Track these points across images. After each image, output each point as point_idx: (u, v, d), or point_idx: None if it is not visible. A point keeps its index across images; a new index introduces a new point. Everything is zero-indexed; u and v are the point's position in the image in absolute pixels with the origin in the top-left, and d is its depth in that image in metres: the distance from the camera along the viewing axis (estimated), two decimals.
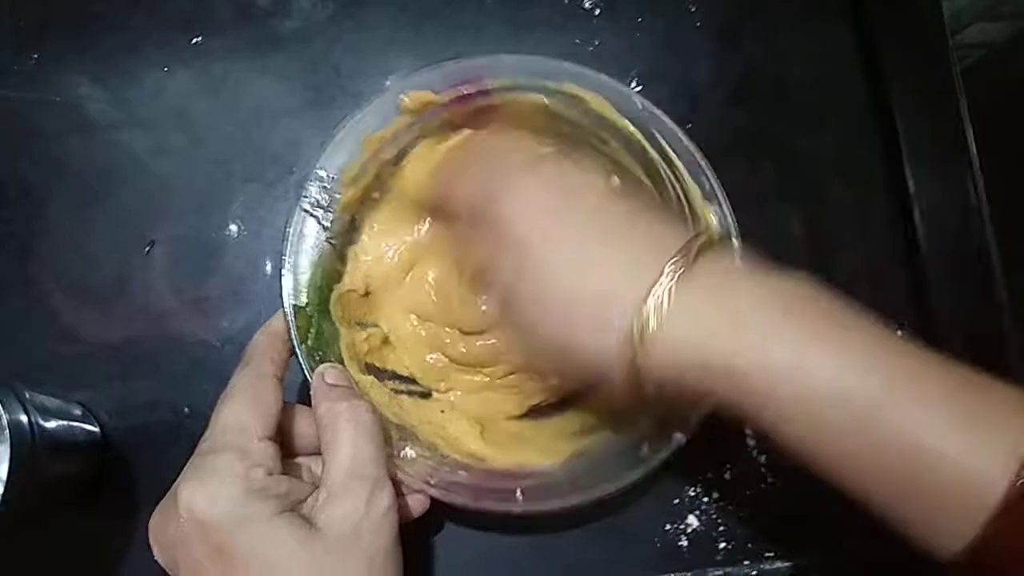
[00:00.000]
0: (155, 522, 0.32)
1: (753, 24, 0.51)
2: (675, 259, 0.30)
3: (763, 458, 0.44)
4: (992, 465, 0.25)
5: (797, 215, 0.48)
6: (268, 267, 0.47)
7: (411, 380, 0.43)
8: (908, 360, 0.28)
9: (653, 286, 0.29)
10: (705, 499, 0.44)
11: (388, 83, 0.49)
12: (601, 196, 0.34)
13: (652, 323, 0.29)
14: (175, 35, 0.50)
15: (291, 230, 0.39)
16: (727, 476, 0.44)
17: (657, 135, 0.40)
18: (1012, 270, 0.46)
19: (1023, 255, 0.48)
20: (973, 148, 0.47)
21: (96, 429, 0.43)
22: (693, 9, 0.50)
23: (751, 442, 0.44)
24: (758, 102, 0.50)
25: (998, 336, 0.45)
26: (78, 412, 0.42)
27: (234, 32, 0.50)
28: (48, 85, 0.49)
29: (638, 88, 0.49)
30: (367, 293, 0.43)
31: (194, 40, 0.49)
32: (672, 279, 0.29)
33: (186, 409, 0.45)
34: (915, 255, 0.47)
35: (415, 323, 0.44)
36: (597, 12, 0.50)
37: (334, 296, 0.41)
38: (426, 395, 0.43)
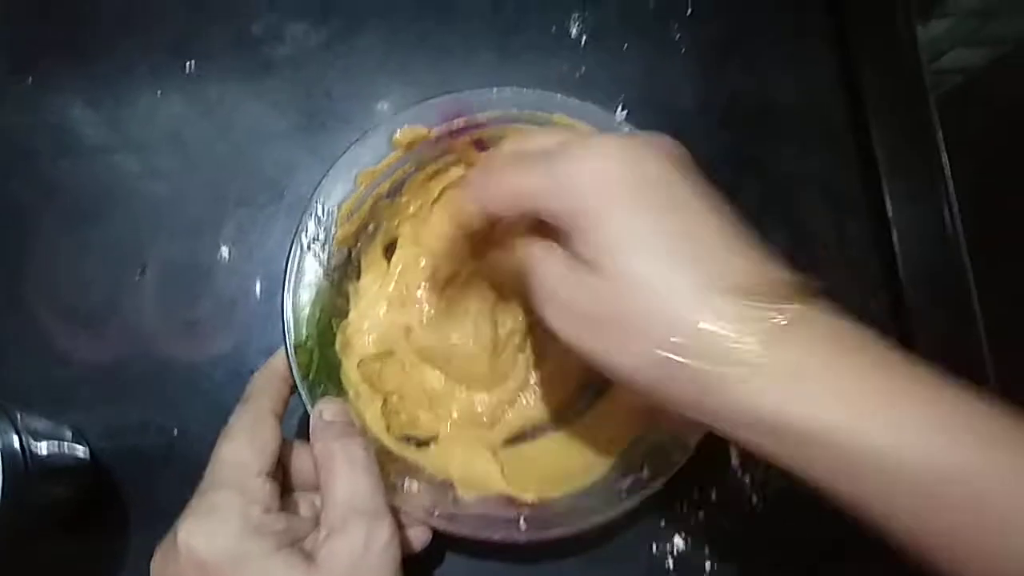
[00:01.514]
0: (155, 562, 0.32)
1: (737, 50, 0.52)
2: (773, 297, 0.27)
3: (748, 479, 0.45)
4: None
5: (779, 236, 0.49)
6: (259, 290, 0.47)
7: None
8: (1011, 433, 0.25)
9: (714, 315, 0.26)
10: (691, 520, 0.44)
11: (380, 107, 0.50)
12: (681, 190, 0.29)
13: (698, 356, 0.26)
14: (169, 59, 0.50)
15: (289, 266, 0.39)
16: (713, 497, 0.45)
17: None
18: (988, 294, 0.46)
19: (999, 279, 0.49)
20: (948, 173, 0.48)
21: (86, 452, 0.43)
22: (678, 36, 0.51)
23: (736, 462, 0.45)
24: (742, 126, 0.51)
25: (976, 361, 0.46)
26: (69, 434, 0.43)
27: (227, 57, 0.50)
28: (41, 107, 0.50)
29: (624, 113, 0.50)
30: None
31: (187, 64, 0.50)
32: (746, 317, 0.26)
33: (175, 431, 0.45)
34: (894, 277, 0.48)
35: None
36: (583, 40, 0.51)
37: (357, 365, 0.41)
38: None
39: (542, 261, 0.30)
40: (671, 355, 0.26)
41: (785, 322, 0.26)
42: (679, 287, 0.27)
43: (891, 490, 0.25)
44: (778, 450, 0.26)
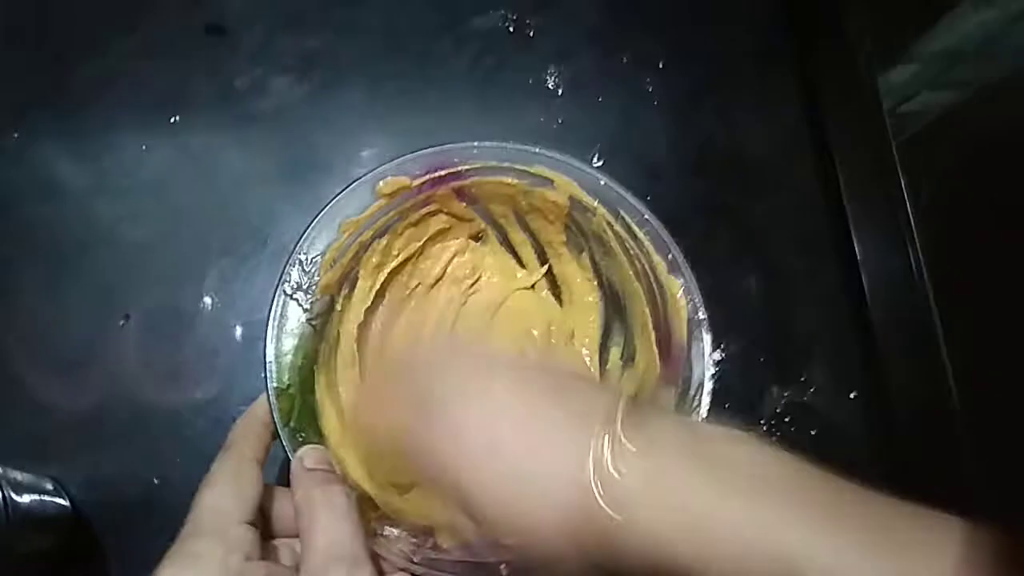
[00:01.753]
0: None
1: (708, 102, 0.54)
2: (599, 433, 0.28)
3: None
4: None
5: (752, 281, 0.51)
6: (241, 338, 0.48)
7: None
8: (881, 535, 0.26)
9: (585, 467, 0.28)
10: None
11: (362, 157, 0.51)
12: (512, 391, 0.31)
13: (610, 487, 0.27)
14: (153, 113, 0.51)
15: (272, 313, 0.40)
16: None
17: (622, 213, 0.42)
18: (955, 333, 0.48)
19: (965, 318, 0.50)
20: (912, 217, 0.49)
21: (67, 503, 0.43)
22: (651, 89, 0.53)
23: None
24: (713, 174, 0.53)
25: (943, 399, 0.47)
26: (49, 487, 0.43)
27: (212, 111, 0.52)
28: (27, 161, 0.51)
29: (599, 163, 0.51)
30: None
31: (172, 119, 0.51)
32: (604, 454, 0.28)
33: (156, 480, 0.45)
34: (864, 320, 0.49)
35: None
36: (560, 92, 0.53)
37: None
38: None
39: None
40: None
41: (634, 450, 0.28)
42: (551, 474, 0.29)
43: None
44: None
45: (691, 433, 0.30)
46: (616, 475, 0.27)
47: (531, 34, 0.54)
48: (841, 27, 0.53)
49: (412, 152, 0.42)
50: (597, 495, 0.27)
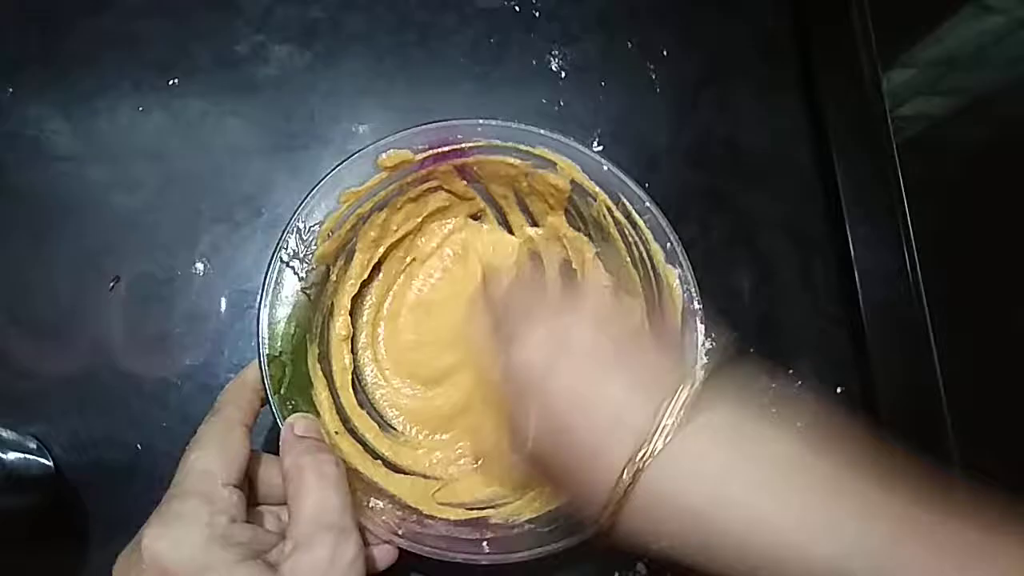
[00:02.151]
0: (119, 567, 0.32)
1: (710, 91, 0.54)
2: (669, 403, 0.29)
3: None
4: None
5: (746, 272, 0.51)
6: (232, 306, 0.47)
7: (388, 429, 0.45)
8: (920, 528, 0.27)
9: (647, 439, 0.29)
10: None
11: (361, 131, 0.51)
12: (602, 336, 0.33)
13: (643, 464, 0.29)
14: (152, 76, 0.51)
15: (267, 280, 0.40)
16: None
17: (623, 199, 0.42)
18: (945, 333, 0.48)
19: (956, 320, 0.50)
20: (909, 218, 0.50)
21: (50, 463, 0.43)
22: (654, 76, 0.53)
23: None
24: (712, 165, 0.53)
25: (932, 396, 0.47)
26: (33, 446, 0.42)
27: (211, 76, 0.51)
28: (19, 121, 0.50)
29: (599, 148, 0.51)
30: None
31: (171, 82, 0.51)
32: (669, 430, 0.29)
33: (139, 445, 0.45)
34: (855, 315, 0.49)
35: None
36: (563, 75, 0.53)
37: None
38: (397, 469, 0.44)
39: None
40: (631, 465, 0.29)
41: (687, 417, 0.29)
42: (624, 407, 0.30)
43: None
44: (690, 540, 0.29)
45: (742, 429, 0.30)
46: (660, 449, 0.29)
47: (537, 15, 0.53)
48: (845, 24, 0.53)
49: (415, 126, 0.42)
50: (639, 464, 0.29)
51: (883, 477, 0.28)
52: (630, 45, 0.54)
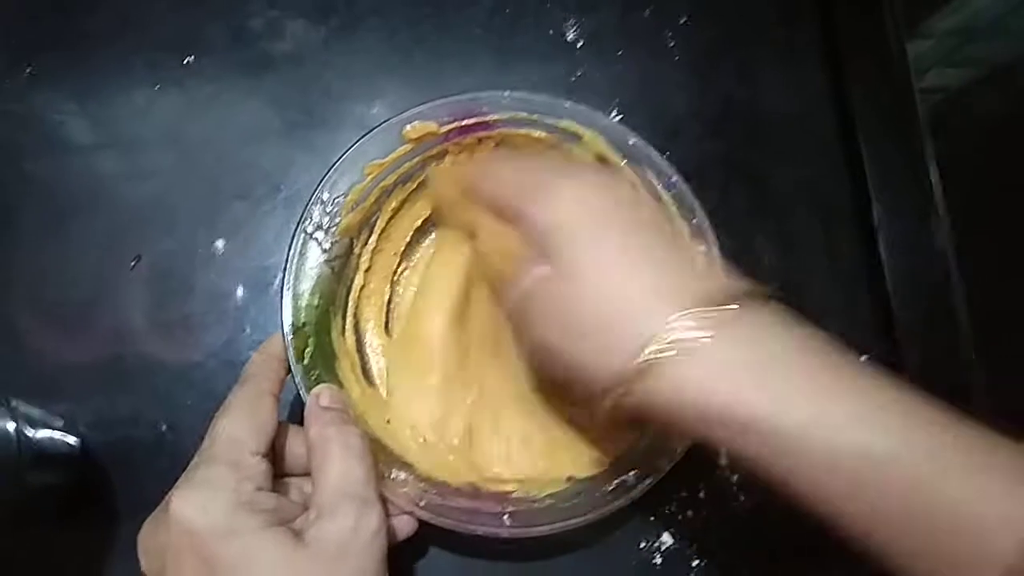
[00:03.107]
0: (146, 530, 0.33)
1: (730, 60, 0.53)
2: (708, 302, 0.30)
3: (735, 477, 0.45)
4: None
5: (768, 242, 0.50)
6: (253, 284, 0.47)
7: None
8: (944, 425, 0.28)
9: (678, 319, 0.29)
10: (679, 517, 0.45)
11: (377, 106, 0.50)
12: (645, 213, 0.34)
13: (668, 353, 0.29)
14: (167, 55, 0.51)
15: (292, 251, 0.40)
16: (701, 495, 0.45)
17: (649, 173, 0.42)
18: (974, 304, 0.48)
19: (984, 289, 0.50)
20: (936, 187, 0.49)
21: (77, 441, 0.43)
22: (672, 44, 0.52)
23: (724, 461, 0.46)
24: (733, 133, 0.52)
25: (963, 371, 0.47)
26: (60, 423, 0.43)
27: (226, 53, 0.51)
28: (37, 103, 0.50)
29: (618, 118, 0.50)
30: None
31: (186, 60, 0.50)
32: (702, 319, 0.29)
33: (164, 422, 0.45)
34: (880, 284, 0.48)
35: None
36: (580, 44, 0.52)
37: None
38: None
39: (526, 271, 0.33)
40: (646, 356, 0.29)
41: (731, 323, 0.29)
42: (646, 297, 0.30)
43: (816, 472, 0.28)
44: (732, 442, 0.29)
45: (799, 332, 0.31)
46: (675, 353, 0.29)
47: None
48: None
49: (440, 98, 0.41)
50: (651, 360, 0.29)
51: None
52: (647, 13, 0.53)
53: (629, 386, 0.30)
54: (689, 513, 0.45)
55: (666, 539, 0.45)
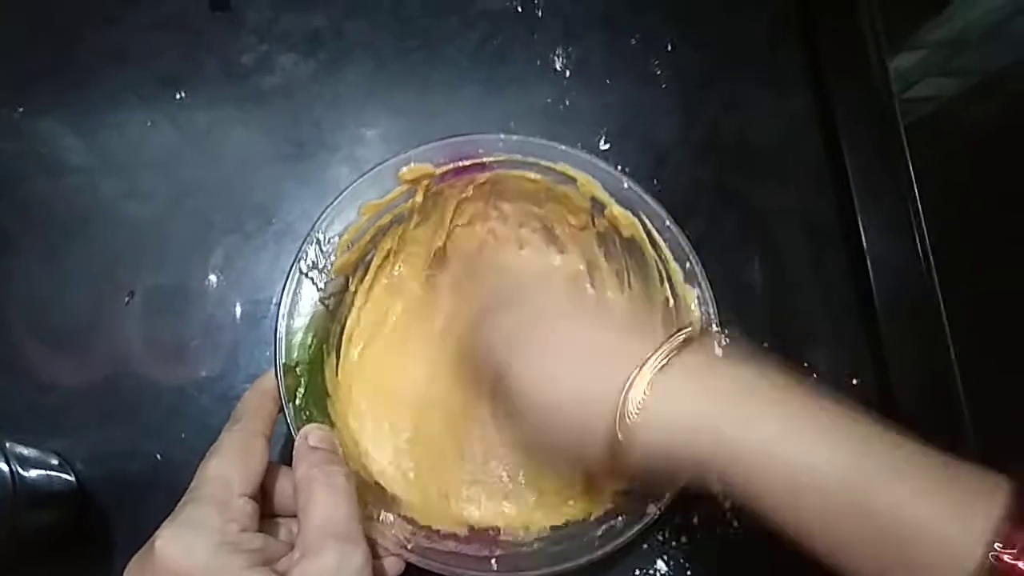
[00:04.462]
0: (131, 569, 0.33)
1: (715, 86, 0.53)
2: (657, 351, 0.34)
3: (728, 503, 0.46)
4: (969, 539, 0.28)
5: (757, 265, 0.51)
6: (246, 316, 0.48)
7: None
8: (888, 442, 0.31)
9: (633, 377, 0.33)
10: (673, 543, 0.45)
11: (369, 136, 0.51)
12: (574, 311, 0.40)
13: (632, 409, 0.33)
14: (160, 89, 0.51)
15: (286, 289, 0.40)
16: (694, 521, 0.46)
17: (643, 216, 0.42)
18: (959, 318, 0.48)
19: (970, 304, 0.50)
20: (919, 203, 0.49)
21: (72, 478, 0.43)
22: (659, 72, 0.53)
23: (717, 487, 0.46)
24: (720, 159, 0.52)
25: (949, 385, 0.47)
26: (55, 462, 0.43)
27: (218, 88, 0.51)
28: (31, 135, 0.50)
29: (606, 145, 0.51)
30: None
31: (178, 95, 0.51)
32: (652, 369, 0.33)
33: (159, 456, 0.46)
34: (868, 306, 0.49)
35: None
36: (567, 73, 0.52)
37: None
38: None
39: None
40: (623, 427, 0.33)
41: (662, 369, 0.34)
42: (599, 378, 0.35)
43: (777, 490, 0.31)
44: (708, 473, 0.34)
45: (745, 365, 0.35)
46: (634, 409, 0.33)
47: (539, 14, 0.53)
48: (851, 12, 0.53)
49: (438, 139, 0.42)
50: (616, 420, 0.33)
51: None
52: (634, 41, 0.53)
53: (614, 446, 0.34)
54: (683, 539, 0.45)
55: (660, 566, 0.45)
